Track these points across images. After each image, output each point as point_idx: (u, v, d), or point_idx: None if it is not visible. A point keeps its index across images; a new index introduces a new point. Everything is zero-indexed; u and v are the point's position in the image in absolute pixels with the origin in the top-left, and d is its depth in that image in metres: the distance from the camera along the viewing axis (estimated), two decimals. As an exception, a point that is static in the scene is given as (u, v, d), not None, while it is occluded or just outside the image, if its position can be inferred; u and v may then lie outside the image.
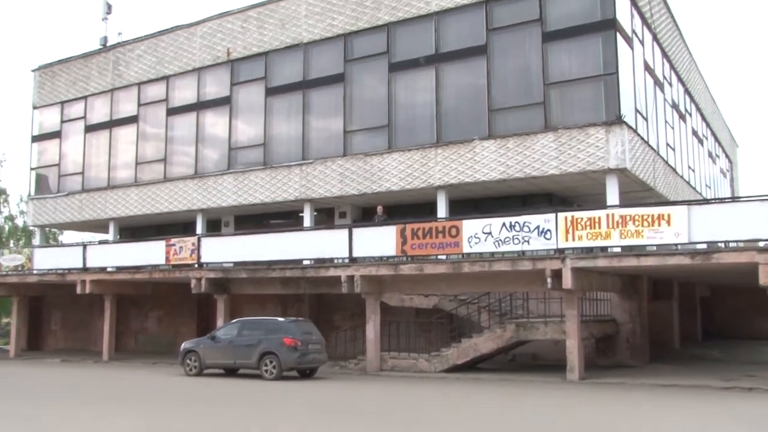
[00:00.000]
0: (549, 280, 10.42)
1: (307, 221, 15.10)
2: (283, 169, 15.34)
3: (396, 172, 14.04)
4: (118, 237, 17.87)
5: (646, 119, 13.34)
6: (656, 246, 10.23)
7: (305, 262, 13.20)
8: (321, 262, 12.77)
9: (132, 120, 17.63)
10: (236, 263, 13.90)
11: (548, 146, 12.46)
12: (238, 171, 16.06)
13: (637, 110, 12.78)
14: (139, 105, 17.53)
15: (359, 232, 12.26)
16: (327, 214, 15.92)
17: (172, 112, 17.12)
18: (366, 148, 14.46)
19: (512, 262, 10.66)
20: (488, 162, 13.03)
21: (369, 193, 14.33)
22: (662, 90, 14.75)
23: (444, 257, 11.55)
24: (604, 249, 10.41)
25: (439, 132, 13.66)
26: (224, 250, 13.90)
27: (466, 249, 10.99)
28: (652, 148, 13.50)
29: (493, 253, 10.94)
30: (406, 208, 15.11)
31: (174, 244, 14.22)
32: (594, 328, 12.07)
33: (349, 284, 12.00)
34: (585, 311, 11.85)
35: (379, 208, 13.34)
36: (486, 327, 12.26)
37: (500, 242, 10.68)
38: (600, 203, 12.37)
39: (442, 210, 13.54)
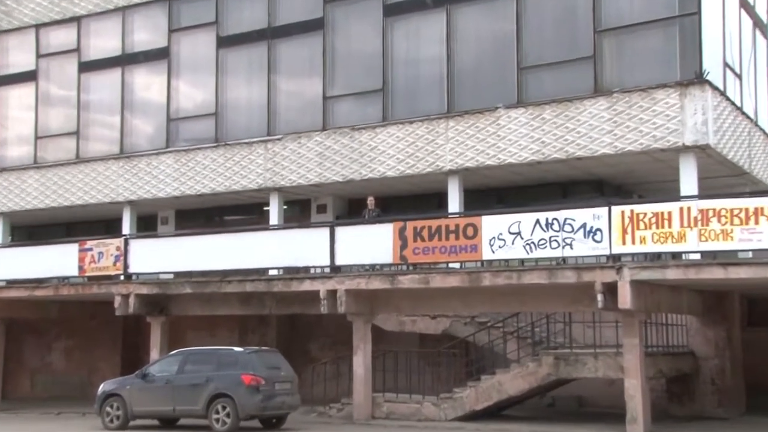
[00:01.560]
0: (600, 297, 10.15)
1: (274, 218, 15.06)
2: (241, 147, 15.28)
3: (393, 152, 13.96)
4: (10, 239, 17.22)
5: (739, 77, 12.93)
6: (752, 252, 9.98)
7: (272, 273, 13.18)
8: (293, 273, 12.78)
9: (28, 77, 16.81)
10: (178, 274, 13.86)
11: (599, 116, 12.29)
12: (180, 150, 15.86)
13: (726, 65, 12.39)
14: (39, 56, 16.73)
15: (344, 232, 12.23)
16: (301, 208, 15.96)
17: (86, 67, 16.49)
18: (353, 119, 14.39)
19: (549, 272, 10.52)
20: (517, 138, 12.92)
21: (357, 180, 14.28)
22: (766, 35, 14.32)
23: (457, 266, 11.52)
24: (676, 256, 10.10)
25: (452, 98, 13.60)
26: (161, 257, 13.77)
27: (486, 255, 10.94)
28: (748, 117, 13.12)
29: (523, 261, 10.92)
30: (407, 200, 15.15)
31: (91, 249, 13.96)
32: (664, 364, 11.68)
33: (330, 302, 11.98)
34: (651, 340, 11.60)
35: (371, 200, 13.23)
36: (514, 360, 12.11)
37: (533, 246, 10.57)
38: (670, 193, 12.28)
39: (454, 203, 13.53)
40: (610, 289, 10.12)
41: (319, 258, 12.17)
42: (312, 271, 12.48)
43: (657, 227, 9.72)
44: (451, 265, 11.48)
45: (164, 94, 16.05)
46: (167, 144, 16.00)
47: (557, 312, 12.41)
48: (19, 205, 16.97)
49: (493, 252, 10.80)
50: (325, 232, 12.26)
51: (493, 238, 10.79)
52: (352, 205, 15.72)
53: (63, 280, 14.17)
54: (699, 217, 9.47)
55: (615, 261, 10.16)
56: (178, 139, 16.01)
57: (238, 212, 16.61)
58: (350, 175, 14.26)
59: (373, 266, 12.03)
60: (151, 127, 16.38)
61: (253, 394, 10.83)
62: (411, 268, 11.68)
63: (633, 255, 10.26)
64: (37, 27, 16.70)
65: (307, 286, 12.24)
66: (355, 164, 14.21)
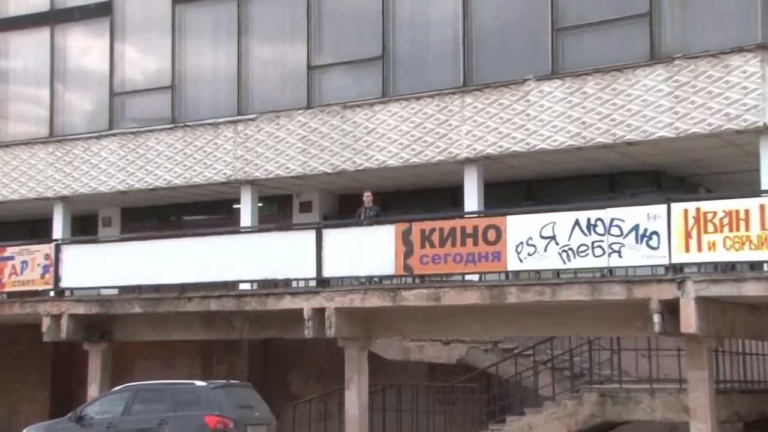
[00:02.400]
0: (657, 318, 9.96)
1: (246, 218, 15.21)
2: (205, 129, 15.41)
3: (395, 136, 14.08)
4: None
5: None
6: None
7: (243, 287, 13.28)
8: (270, 287, 12.80)
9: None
10: (124, 289, 13.92)
11: (656, 90, 12.27)
12: (127, 132, 15.98)
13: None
14: (-60, 11, 17.31)
15: (334, 236, 12.27)
16: (280, 206, 16.15)
17: (5, 26, 16.54)
18: (346, 95, 14.52)
19: (592, 286, 10.42)
20: (551, 118, 12.97)
21: (350, 171, 14.44)
22: None
23: (476, 278, 11.62)
24: (756, 266, 9.98)
25: (469, 68, 13.67)
26: (103, 268, 13.71)
27: (512, 264, 10.97)
28: None
29: (558, 272, 10.88)
30: (413, 196, 15.35)
31: (12, 258, 13.84)
32: (741, 404, 11.49)
33: (316, 323, 11.99)
34: (724, 374, 11.48)
35: (367, 196, 13.24)
36: (548, 397, 12.09)
37: (571, 253, 10.58)
38: (747, 186, 12.37)
39: (472, 199, 13.67)
40: (670, 308, 10.02)
41: (303, 268, 12.24)
42: (294, 284, 12.58)
43: (730, 230, 9.62)
44: (467, 277, 11.60)
45: (106, 62, 16.12)
46: (110, 125, 16.11)
47: (602, 337, 12.42)
48: None
49: (521, 261, 10.86)
50: (309, 235, 12.32)
51: (521, 243, 10.84)
52: (344, 202, 15.89)
53: (-28, 297, 14.40)
54: (786, 217, 9.50)
55: (676, 272, 10.06)
56: (124, 118, 16.16)
57: (200, 211, 16.84)
58: (341, 165, 14.39)
59: (370, 279, 12.10)
60: (90, 103, 16.64)
61: (220, 440, 10.93)
62: (418, 281, 11.78)
63: (699, 265, 10.18)
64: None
65: (287, 303, 12.31)
66: (348, 151, 14.32)
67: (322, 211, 15.87)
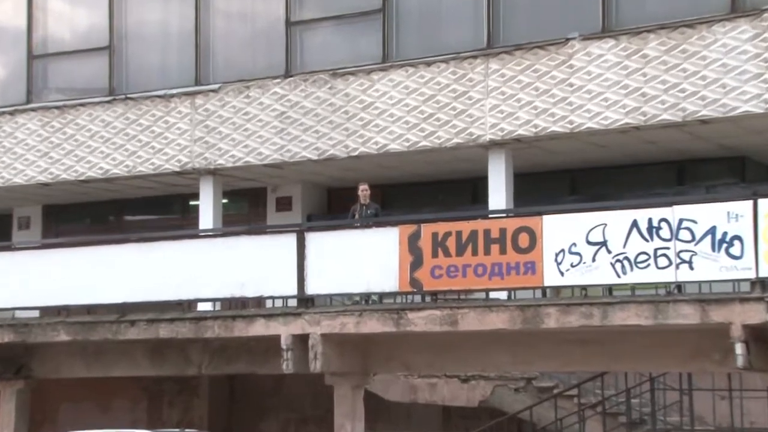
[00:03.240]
0: (740, 348, 9.88)
1: (207, 218, 15.43)
2: (153, 104, 15.56)
3: (399, 113, 14.17)
4: None
5: None
6: None
7: (202, 308, 13.42)
8: (238, 307, 13.00)
9: None
10: (47, 310, 13.91)
11: (739, 51, 12.25)
12: (50, 107, 16.10)
13: None
14: None
15: (320, 242, 12.39)
16: (251, 203, 16.56)
17: None
18: (335, 59, 14.68)
19: (655, 307, 10.40)
20: (601, 89, 13.04)
21: (341, 158, 14.59)
22: None
23: (503, 295, 11.76)
24: None
25: (495, 25, 13.81)
26: (19, 282, 13.75)
27: (551, 278, 11.06)
28: None
29: (611, 289, 10.92)
30: (422, 191, 15.68)
31: None
32: None
33: (297, 354, 12.08)
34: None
35: (363, 190, 13.41)
36: None
37: (628, 264, 10.63)
38: None
39: (498, 194, 13.74)
40: (758, 336, 10.00)
41: (280, 283, 12.35)
42: (269, 304, 12.69)
43: (837, 235, 9.80)
44: (493, 295, 11.72)
45: (23, 15, 16.29)
46: (29, 97, 16.28)
47: (668, 373, 12.46)
48: None
49: (562, 274, 10.95)
50: (289, 240, 12.40)
51: (562, 251, 10.92)
52: (334, 198, 16.17)
53: None
54: None
55: (765, 289, 9.95)
56: (46, 89, 16.41)
57: (147, 210, 17.16)
58: (330, 150, 14.48)
59: (367, 297, 12.24)
60: (1, 68, 16.84)
61: None
62: (428, 299, 11.92)
63: (795, 280, 10.17)
64: None
65: (260, 328, 12.38)
66: (339, 132, 14.43)
67: (304, 210, 16.03)
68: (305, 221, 15.51)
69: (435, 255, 11.47)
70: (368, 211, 13.25)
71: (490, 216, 12.23)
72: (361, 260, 11.95)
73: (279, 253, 12.37)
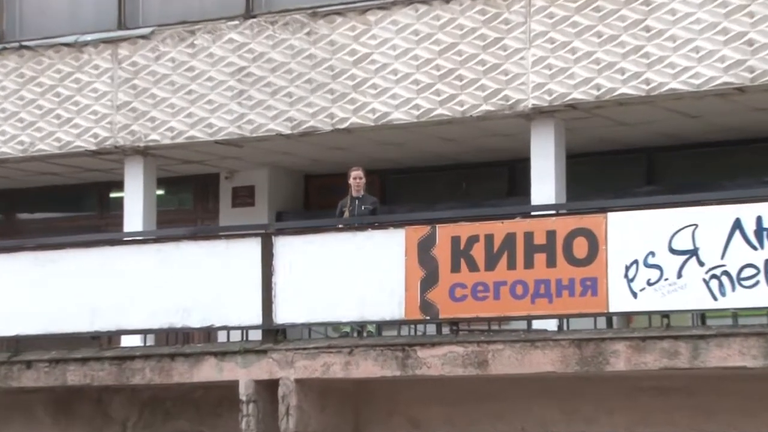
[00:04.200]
0: None
1: (134, 216, 15.58)
2: (60, 55, 15.71)
3: (405, 68, 14.38)
4: None
5: None
6: None
7: (128, 342, 13.50)
8: (178, 342, 13.02)
9: None
10: None
11: None
12: None
13: None
14: None
15: (294, 250, 12.49)
16: (197, 196, 16.86)
17: None
18: None
19: (767, 343, 10.37)
20: (689, 34, 13.15)
21: (324, 132, 14.72)
22: None
23: (551, 326, 11.79)
24: None
25: None
26: None
27: (618, 301, 11.17)
28: None
29: (704, 316, 11.11)
30: (437, 178, 15.89)
31: None
32: None
33: (262, 408, 12.10)
34: None
35: (357, 177, 13.55)
36: None
37: (728, 280, 10.72)
38: None
39: (545, 181, 13.90)
40: None
41: (238, 308, 12.44)
42: (222, 337, 12.82)
43: None
44: (537, 324, 11.82)
45: None
46: None
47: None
48: None
49: (635, 295, 11.05)
50: (250, 248, 12.48)
51: (635, 263, 11.04)
52: (313, 188, 16.40)
53: None
54: None
55: None
56: None
57: (50, 204, 17.50)
58: (309, 121, 14.67)
59: (360, 327, 12.30)
60: None
61: None
62: (447, 331, 11.87)
63: None
64: None
65: (209, 372, 12.42)
66: (321, 95, 14.61)
67: (273, 205, 16.21)
68: (273, 221, 15.59)
69: (456, 268, 11.54)
70: (362, 207, 13.37)
71: (534, 214, 12.23)
72: (353, 275, 11.98)
73: (237, 265, 12.44)
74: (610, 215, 11.18)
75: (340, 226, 12.96)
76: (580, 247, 11.19)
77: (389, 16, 14.41)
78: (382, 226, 12.42)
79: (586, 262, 11.14)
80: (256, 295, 12.25)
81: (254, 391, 12.05)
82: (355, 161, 14.04)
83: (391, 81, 14.37)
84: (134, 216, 15.51)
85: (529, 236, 11.42)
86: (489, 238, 11.52)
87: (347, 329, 12.47)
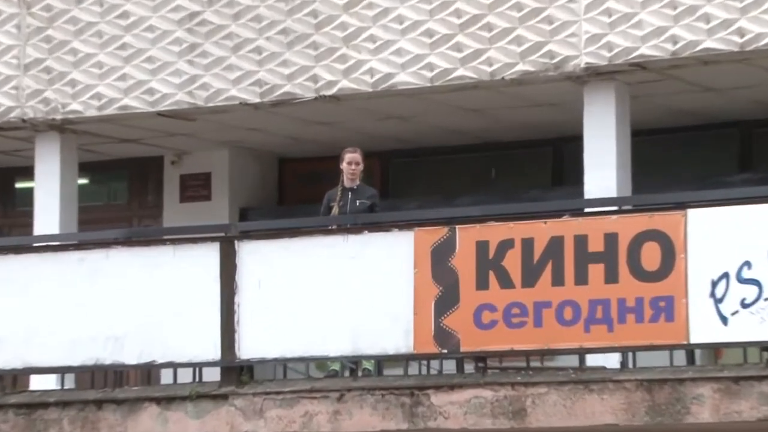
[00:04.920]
0: None
1: (49, 214, 16.08)
2: None
3: (414, 15, 14.65)
4: None
5: None
6: None
7: (39, 384, 13.79)
8: (108, 385, 13.10)
9: None
10: None
11: None
12: None
13: None
14: None
15: (264, 259, 12.70)
16: (133, 186, 17.48)
17: None
18: None
19: None
20: None
21: (305, 99, 15.04)
22: None
23: (612, 361, 11.84)
24: None
25: None
26: None
27: (702, 329, 11.22)
28: None
29: None
30: (457, 162, 16.45)
31: None
32: None
33: None
34: None
35: (351, 161, 13.73)
36: None
37: None
38: None
39: (602, 168, 14.19)
40: None
41: (189, 338, 12.58)
42: (167, 377, 13.02)
43: None
44: (592, 360, 11.90)
45: None
46: None
47: None
48: None
49: (724, 321, 11.10)
50: (205, 257, 12.69)
51: (724, 276, 11.12)
52: (290, 176, 16.98)
53: None
54: None
55: None
56: None
57: None
58: (285, 85, 14.96)
59: (353, 364, 12.55)
60: None
61: None
62: (471, 369, 11.90)
63: None
64: None
65: (149, 424, 12.55)
66: (300, 51, 14.88)
67: (236, 199, 16.65)
68: (237, 220, 15.91)
69: (483, 284, 11.65)
70: (357, 202, 13.51)
71: (588, 210, 12.34)
72: (344, 294, 12.09)
73: (187, 279, 12.59)
74: (691, 213, 11.24)
75: (328, 227, 13.01)
76: (651, 256, 11.25)
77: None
78: (383, 227, 12.47)
79: (659, 275, 11.21)
80: (214, 321, 12.33)
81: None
82: (348, 141, 14.18)
83: (395, 32, 14.49)
84: (48, 214, 15.74)
85: (581, 241, 11.52)
86: (527, 244, 11.61)
87: (336, 367, 12.58)
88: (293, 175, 16.59)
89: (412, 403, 11.72)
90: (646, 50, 13.64)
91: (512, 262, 11.54)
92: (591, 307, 11.37)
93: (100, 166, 16.46)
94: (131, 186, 16.95)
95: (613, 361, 11.64)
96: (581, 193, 13.91)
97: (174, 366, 12.67)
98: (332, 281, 12.15)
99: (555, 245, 11.50)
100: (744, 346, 11.11)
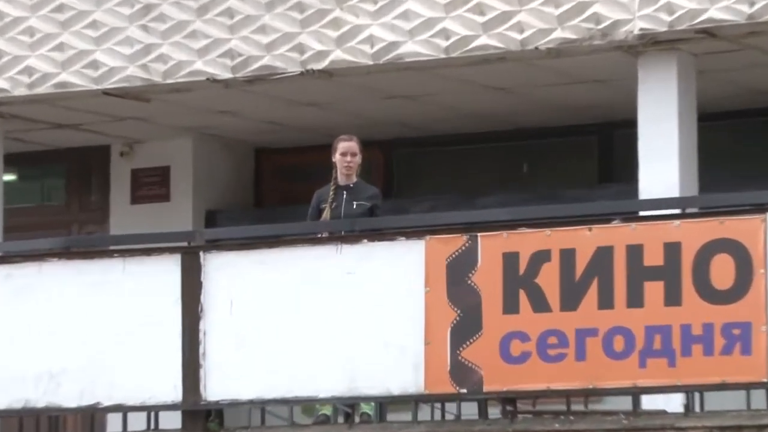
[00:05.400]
0: None
1: None
2: None
3: None
4: None
5: None
6: None
7: None
8: None
9: None
10: None
11: None
12: None
13: None
14: None
15: (236, 276, 12.92)
16: (73, 183, 18.69)
17: None
18: None
19: None
20: None
21: (289, 74, 15.56)
22: None
23: (675, 404, 11.96)
24: None
25: None
26: None
27: None
28: None
29: None
30: (477, 154, 17.15)
31: None
32: None
33: None
34: None
35: (347, 152, 13.95)
36: None
37: None
38: None
39: (661, 160, 14.68)
40: None
41: (143, 375, 12.75)
42: (116, 425, 13.21)
43: None
44: (648, 401, 12.04)
45: None
46: None
47: None
48: None
49: None
50: (163, 272, 12.90)
51: None
52: (269, 170, 17.86)
53: None
54: None
55: None
56: None
57: None
58: (263, 56, 15.40)
59: (348, 407, 12.74)
60: None
61: None
62: (497, 412, 12.04)
63: None
64: None
65: None
66: (283, 15, 15.42)
67: (201, 199, 17.26)
68: (203, 226, 16.55)
69: (512, 307, 11.63)
70: (355, 204, 13.59)
71: (643, 214, 12.33)
72: (337, 319, 12.14)
73: (141, 301, 12.69)
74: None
75: (317, 234, 13.04)
76: (723, 272, 11.26)
77: None
78: (386, 234, 12.42)
79: (733, 296, 11.22)
80: (174, 353, 12.46)
81: None
82: (343, 127, 14.53)
83: (400, -1, 13.91)
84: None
85: (635, 252, 11.51)
86: (568, 256, 11.64)
87: (327, 411, 12.57)
88: (273, 170, 16.64)
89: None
90: (716, 13, 13.71)
91: (548, 280, 11.56)
92: (647, 335, 11.39)
93: (32, 159, 16.46)
94: (70, 183, 17.16)
95: (675, 403, 11.65)
96: (635, 192, 14.06)
97: (123, 410, 12.73)
98: (322, 303, 12.20)
99: (602, 258, 11.51)
100: None
